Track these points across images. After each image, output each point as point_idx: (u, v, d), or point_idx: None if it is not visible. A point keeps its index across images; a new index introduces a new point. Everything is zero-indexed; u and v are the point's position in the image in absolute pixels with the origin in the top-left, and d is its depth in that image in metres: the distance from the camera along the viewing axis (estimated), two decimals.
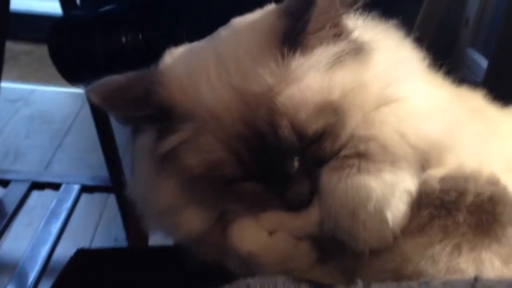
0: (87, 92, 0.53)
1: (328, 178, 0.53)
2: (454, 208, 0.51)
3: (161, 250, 0.80)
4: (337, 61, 0.53)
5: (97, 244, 1.68)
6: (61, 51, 0.95)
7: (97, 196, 1.88)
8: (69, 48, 0.93)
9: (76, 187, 1.82)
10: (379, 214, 0.50)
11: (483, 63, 1.90)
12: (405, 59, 0.58)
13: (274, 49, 0.52)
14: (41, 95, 2.50)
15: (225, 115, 0.52)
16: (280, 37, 0.52)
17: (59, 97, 2.51)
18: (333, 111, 0.52)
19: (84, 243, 1.67)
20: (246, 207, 0.56)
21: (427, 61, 0.60)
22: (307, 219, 0.55)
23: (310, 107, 0.51)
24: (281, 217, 0.55)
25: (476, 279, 0.40)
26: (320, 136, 0.53)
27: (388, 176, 0.51)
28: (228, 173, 0.53)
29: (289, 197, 0.53)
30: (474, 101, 0.64)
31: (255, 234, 0.56)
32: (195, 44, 0.60)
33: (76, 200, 1.78)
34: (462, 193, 0.51)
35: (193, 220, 0.57)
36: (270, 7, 0.59)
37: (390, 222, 0.50)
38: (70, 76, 0.98)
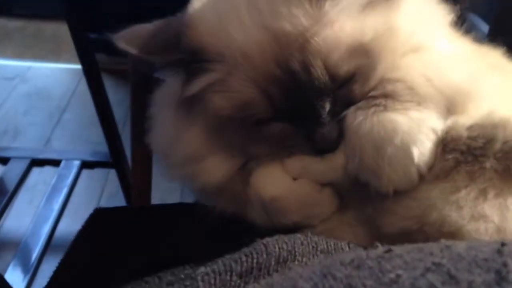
0: (115, 40, 0.53)
1: (354, 116, 0.53)
2: (481, 155, 0.50)
3: (180, 206, 0.79)
4: (369, 4, 0.53)
5: None
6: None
7: (98, 172, 1.88)
8: None
9: (76, 163, 1.82)
10: (405, 149, 0.50)
11: (484, 28, 1.88)
12: (431, 11, 0.59)
13: None
14: (37, 72, 2.48)
15: (257, 55, 0.52)
16: None
17: (55, 74, 2.48)
18: (365, 53, 0.52)
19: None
20: (272, 151, 0.56)
21: (451, 16, 0.60)
22: (332, 164, 0.54)
23: (342, 49, 0.51)
24: (306, 162, 0.55)
25: (503, 243, 0.37)
26: (351, 78, 0.53)
27: (415, 113, 0.51)
28: (257, 113, 0.53)
29: (318, 140, 0.53)
30: (494, 57, 0.64)
31: (279, 179, 0.56)
32: None
33: (77, 176, 1.78)
34: (490, 140, 0.50)
35: (216, 168, 0.57)
36: None
37: (416, 158, 0.50)
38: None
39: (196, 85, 0.54)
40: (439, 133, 0.52)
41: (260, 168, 0.57)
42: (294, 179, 0.56)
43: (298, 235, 0.51)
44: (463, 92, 0.54)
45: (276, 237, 0.50)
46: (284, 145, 0.56)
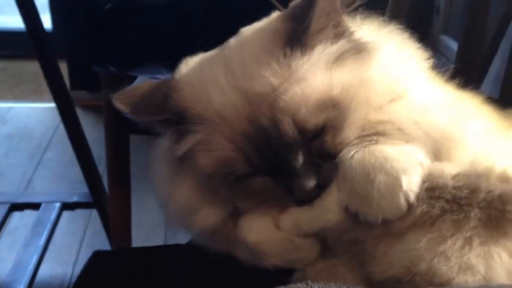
0: (112, 99, 0.59)
1: (347, 151, 0.55)
2: (466, 204, 0.52)
3: (177, 247, 0.81)
4: (338, 59, 0.56)
5: (82, 260, 1.66)
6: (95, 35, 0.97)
7: (80, 212, 1.86)
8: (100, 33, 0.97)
9: (56, 205, 1.80)
10: (394, 176, 0.52)
11: (456, 48, 1.91)
12: (409, 57, 0.61)
13: (278, 51, 0.56)
14: (18, 113, 2.47)
15: (232, 115, 0.55)
16: (283, 39, 0.56)
17: (36, 113, 2.48)
18: (332, 106, 0.55)
19: (70, 260, 1.66)
20: (257, 203, 0.59)
21: (431, 61, 0.63)
22: (324, 206, 0.56)
23: (310, 103, 0.54)
24: (297, 214, 0.58)
25: None
26: (322, 130, 0.55)
27: (404, 147, 0.54)
28: (236, 169, 0.57)
29: (296, 191, 0.55)
30: (475, 103, 0.66)
31: (262, 225, 0.59)
32: (208, 53, 0.64)
33: (57, 218, 1.76)
34: (474, 190, 0.52)
35: (208, 217, 0.61)
36: (275, 14, 0.63)
37: (404, 186, 0.52)
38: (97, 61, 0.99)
39: (184, 146, 0.58)
40: (425, 167, 0.53)
41: (247, 214, 0.61)
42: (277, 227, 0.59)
43: (299, 285, 0.51)
44: (449, 136, 0.56)
45: None
46: (267, 197, 0.59)
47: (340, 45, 0.57)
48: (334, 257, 0.59)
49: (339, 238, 0.57)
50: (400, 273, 0.53)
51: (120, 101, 0.59)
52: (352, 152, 0.54)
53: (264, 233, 0.59)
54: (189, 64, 0.63)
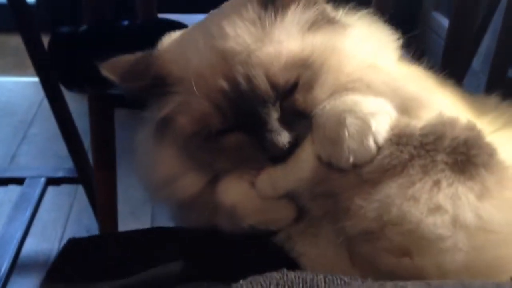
0: (100, 68, 0.62)
1: (320, 106, 0.58)
2: (432, 149, 0.54)
3: (152, 231, 0.79)
4: (312, 27, 0.60)
5: (68, 236, 1.64)
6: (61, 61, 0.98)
7: (66, 188, 1.83)
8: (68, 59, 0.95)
9: (41, 180, 1.77)
10: (363, 119, 0.55)
11: (447, 24, 1.91)
12: (379, 36, 0.65)
13: (252, 14, 0.60)
14: (0, 87, 2.42)
15: (208, 72, 0.59)
16: (259, 2, 0.60)
17: (19, 88, 2.43)
18: (304, 65, 0.58)
19: (55, 236, 1.64)
20: (235, 165, 0.61)
21: (400, 41, 0.66)
22: (299, 160, 0.58)
23: (282, 61, 0.58)
24: (272, 172, 0.59)
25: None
26: (293, 88, 0.58)
27: (373, 99, 0.57)
28: (212, 125, 0.59)
29: (269, 147, 0.58)
30: (439, 81, 0.68)
31: (238, 187, 0.61)
32: (190, 26, 0.68)
33: (42, 194, 1.73)
34: (439, 137, 0.55)
35: (189, 184, 0.63)
36: None
37: (373, 127, 0.54)
38: (69, 84, 1.03)
39: (165, 108, 0.62)
40: (393, 118, 0.56)
41: (225, 178, 0.62)
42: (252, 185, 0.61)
43: (274, 274, 0.51)
44: (416, 97, 0.59)
45: (250, 278, 0.51)
46: (242, 157, 0.60)
47: (312, 14, 0.61)
48: (311, 219, 0.60)
49: (313, 194, 0.58)
50: (372, 225, 0.54)
51: (107, 70, 0.62)
52: (325, 103, 0.58)
53: (240, 194, 0.61)
54: (172, 36, 0.67)
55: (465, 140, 0.54)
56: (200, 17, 1.18)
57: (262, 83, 0.57)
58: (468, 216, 0.52)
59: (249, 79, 0.57)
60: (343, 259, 0.59)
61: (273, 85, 0.58)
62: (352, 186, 0.55)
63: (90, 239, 0.77)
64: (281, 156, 0.58)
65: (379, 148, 0.55)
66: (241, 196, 0.61)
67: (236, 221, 0.61)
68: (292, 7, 0.60)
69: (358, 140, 0.54)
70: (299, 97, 0.59)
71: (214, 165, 0.62)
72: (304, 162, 0.58)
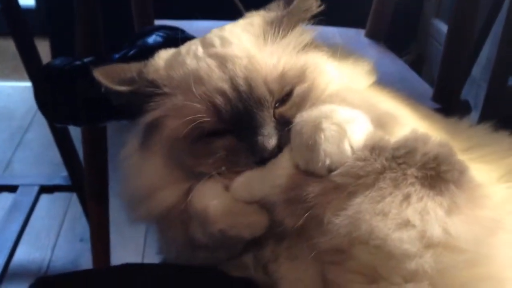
0: (93, 72, 0.65)
1: (299, 115, 0.60)
2: (403, 162, 0.55)
3: (124, 268, 0.75)
4: (303, 49, 0.65)
5: (61, 244, 1.63)
6: (44, 95, 0.95)
7: (61, 195, 1.81)
8: (52, 93, 0.95)
9: (35, 188, 1.75)
10: (339, 125, 0.56)
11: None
12: (352, 64, 0.70)
13: (259, 30, 0.65)
14: None
15: (207, 75, 0.61)
16: (265, 23, 0.66)
17: (17, 93, 2.41)
18: (298, 77, 0.63)
19: (48, 245, 1.62)
20: (218, 169, 0.61)
21: (371, 65, 0.71)
22: (276, 166, 0.59)
23: (279, 70, 0.62)
24: (249, 174, 0.60)
25: None
26: (287, 97, 0.62)
27: (349, 109, 0.59)
28: (205, 124, 0.60)
29: (258, 150, 0.59)
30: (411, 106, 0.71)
31: (211, 191, 0.61)
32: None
33: (35, 201, 1.71)
34: (411, 151, 0.55)
35: (167, 195, 0.64)
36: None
37: (349, 132, 0.56)
38: (52, 117, 0.99)
39: (156, 111, 0.63)
40: (370, 130, 0.58)
41: (200, 183, 0.62)
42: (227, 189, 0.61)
43: None
44: (391, 115, 0.61)
45: None
46: (228, 160, 0.61)
47: (306, 38, 0.66)
48: (292, 240, 0.60)
49: (287, 200, 0.57)
50: (343, 242, 0.54)
51: (100, 74, 0.65)
52: (302, 113, 0.59)
53: (212, 196, 0.61)
54: (168, 51, 0.69)
55: (435, 155, 0.55)
56: (197, 23, 1.17)
57: (260, 86, 0.61)
58: (436, 231, 0.52)
59: (248, 81, 0.61)
60: (318, 286, 0.59)
61: (270, 91, 0.61)
62: (325, 192, 0.55)
63: (58, 277, 0.74)
64: (268, 158, 0.59)
65: (354, 153, 0.56)
66: (214, 198, 0.61)
67: (207, 227, 0.60)
68: (294, 31, 0.65)
69: (334, 143, 0.56)
70: (290, 107, 0.62)
71: (196, 169, 0.62)
72: (281, 169, 0.58)
